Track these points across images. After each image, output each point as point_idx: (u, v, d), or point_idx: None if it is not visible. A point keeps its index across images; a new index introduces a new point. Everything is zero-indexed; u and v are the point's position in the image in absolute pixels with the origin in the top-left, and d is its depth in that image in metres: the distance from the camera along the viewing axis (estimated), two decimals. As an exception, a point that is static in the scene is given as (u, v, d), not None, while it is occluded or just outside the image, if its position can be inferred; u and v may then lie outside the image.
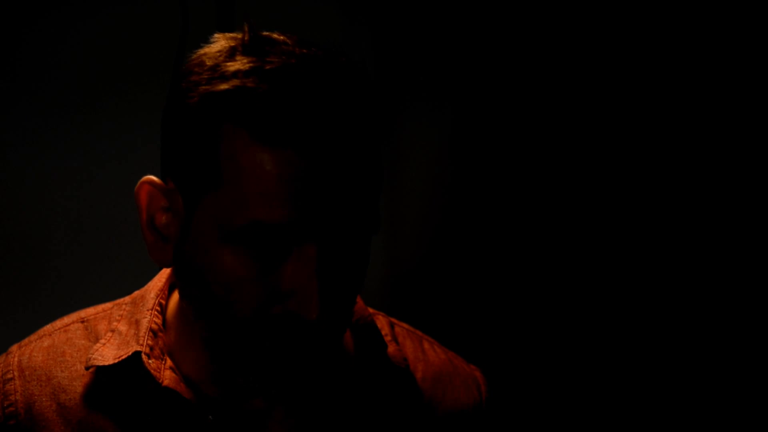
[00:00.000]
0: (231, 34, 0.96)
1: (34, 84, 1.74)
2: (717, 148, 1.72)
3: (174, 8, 1.67)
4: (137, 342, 1.03)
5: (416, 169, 1.89)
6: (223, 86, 0.92)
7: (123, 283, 1.20)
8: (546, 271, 1.84)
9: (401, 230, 1.89)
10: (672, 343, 1.75)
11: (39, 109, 1.74)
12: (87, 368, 1.03)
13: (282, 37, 0.96)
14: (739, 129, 1.70)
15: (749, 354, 1.71)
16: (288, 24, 1.00)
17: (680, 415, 1.75)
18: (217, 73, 0.93)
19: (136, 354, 1.02)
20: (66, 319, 1.11)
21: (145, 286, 1.11)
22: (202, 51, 0.96)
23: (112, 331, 1.07)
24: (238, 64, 0.92)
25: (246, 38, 0.95)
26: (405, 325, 1.19)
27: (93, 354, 1.03)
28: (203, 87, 0.93)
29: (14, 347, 1.09)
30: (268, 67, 0.91)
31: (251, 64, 0.92)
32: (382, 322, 1.15)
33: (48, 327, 1.10)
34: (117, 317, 1.08)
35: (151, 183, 0.99)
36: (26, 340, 1.10)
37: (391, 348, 1.11)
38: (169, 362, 1.03)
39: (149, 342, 1.03)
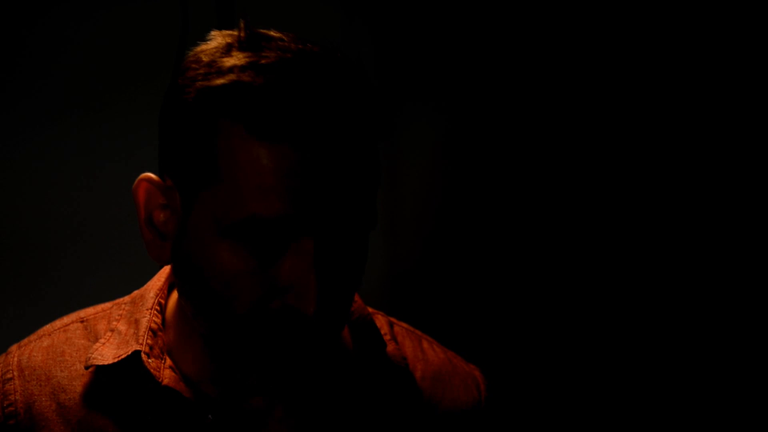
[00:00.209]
0: (227, 32, 0.97)
1: (34, 84, 1.74)
2: (717, 148, 1.72)
3: (174, 8, 1.68)
4: (137, 341, 1.03)
5: (416, 168, 1.89)
6: (220, 81, 0.92)
7: (122, 282, 1.20)
8: (545, 270, 1.84)
9: (400, 230, 1.89)
10: (672, 343, 1.75)
11: (39, 109, 1.74)
12: (86, 368, 1.03)
13: (278, 34, 0.96)
14: (739, 129, 1.70)
15: (749, 354, 1.71)
16: (288, 24, 1.00)
17: (680, 415, 1.75)
18: (213, 68, 0.93)
19: (136, 353, 1.02)
20: (65, 319, 1.11)
21: (145, 286, 1.11)
22: (198, 48, 0.97)
23: (112, 330, 1.07)
24: (234, 60, 0.92)
25: (242, 35, 0.95)
26: (404, 325, 1.19)
27: (92, 353, 1.04)
28: (199, 83, 0.93)
29: (14, 347, 1.09)
30: (263, 62, 0.91)
31: (247, 59, 0.92)
32: (381, 321, 1.15)
33: (47, 327, 1.11)
34: (116, 317, 1.09)
35: (148, 180, 0.99)
36: (26, 340, 1.10)
37: (391, 347, 1.11)
38: (168, 361, 1.03)
39: (149, 341, 1.03)
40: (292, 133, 0.90)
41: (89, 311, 1.12)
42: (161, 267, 1.12)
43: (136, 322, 1.06)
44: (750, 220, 1.71)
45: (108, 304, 1.12)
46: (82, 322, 1.10)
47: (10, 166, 1.74)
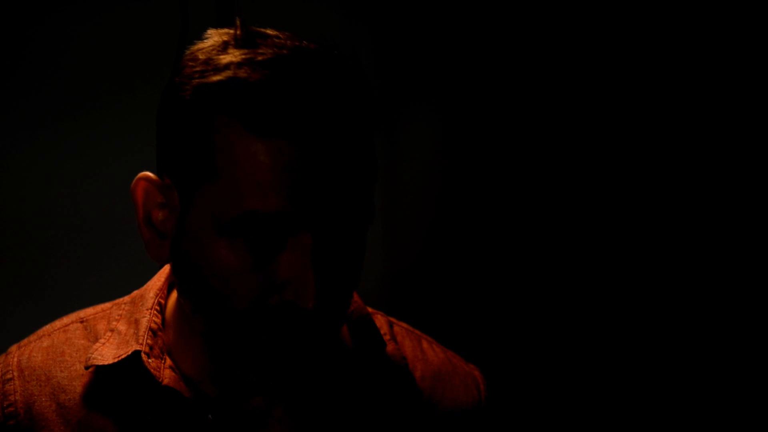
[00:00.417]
0: (224, 30, 0.97)
1: (34, 84, 1.74)
2: (717, 148, 1.72)
3: (174, 8, 1.68)
4: (137, 341, 1.03)
5: (415, 168, 1.89)
6: (216, 78, 0.92)
7: (122, 282, 1.20)
8: (545, 270, 1.84)
9: (400, 229, 1.89)
10: (672, 343, 1.75)
11: (39, 109, 1.74)
12: (86, 368, 1.03)
13: (274, 32, 0.96)
14: (739, 129, 1.70)
15: (749, 354, 1.71)
16: (287, 24, 1.00)
17: (680, 415, 1.75)
18: (210, 65, 0.93)
19: (136, 353, 1.02)
20: (65, 319, 1.11)
21: (144, 286, 1.11)
22: (195, 47, 0.97)
23: (112, 330, 1.07)
24: (231, 57, 0.93)
25: (239, 33, 0.95)
26: (404, 325, 1.19)
27: (92, 353, 1.04)
28: (196, 80, 0.94)
29: (13, 347, 1.09)
30: (260, 59, 0.92)
31: (244, 56, 0.92)
32: (380, 321, 1.15)
33: (47, 327, 1.11)
34: (116, 317, 1.09)
35: (147, 179, 0.99)
36: (25, 341, 1.10)
37: (390, 347, 1.11)
38: (168, 361, 1.03)
39: (149, 341, 1.04)
40: (288, 129, 0.91)
41: (89, 311, 1.12)
42: (161, 267, 1.12)
43: (136, 322, 1.06)
44: (750, 220, 1.71)
45: (108, 304, 1.12)
46: (81, 322, 1.10)
47: (10, 166, 1.74)
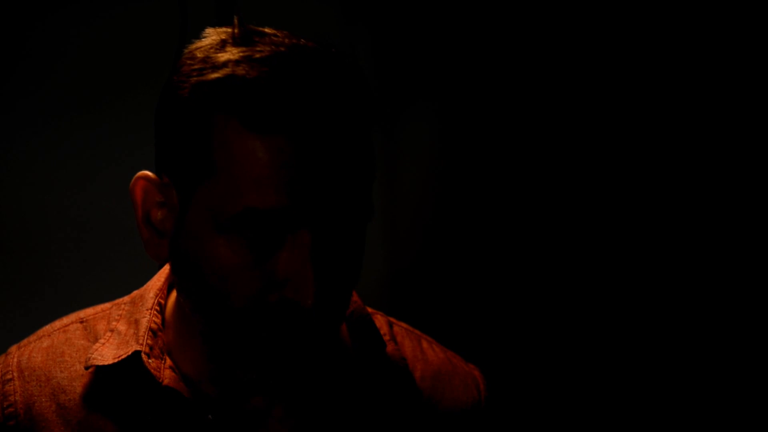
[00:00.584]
0: (222, 29, 0.97)
1: (34, 84, 1.74)
2: (717, 148, 1.72)
3: (174, 8, 1.68)
4: (137, 341, 1.03)
5: (415, 168, 1.89)
6: (214, 75, 0.92)
7: (122, 282, 1.20)
8: (545, 270, 1.84)
9: (400, 230, 1.89)
10: (672, 343, 1.75)
11: (39, 109, 1.74)
12: (86, 368, 1.03)
13: (272, 30, 0.97)
14: (739, 129, 1.70)
15: (749, 354, 1.71)
16: (288, 24, 1.00)
17: (680, 415, 1.75)
18: (208, 63, 0.94)
19: (136, 353, 1.02)
20: (65, 320, 1.11)
21: (144, 286, 1.11)
22: (193, 45, 0.97)
23: (111, 330, 1.07)
24: (228, 55, 0.93)
25: (236, 31, 0.95)
26: (403, 325, 1.19)
27: (92, 354, 1.03)
28: (194, 78, 0.94)
29: (13, 348, 1.09)
30: (257, 56, 0.92)
31: (241, 54, 0.92)
32: (380, 321, 1.15)
33: (47, 327, 1.11)
34: (116, 317, 1.08)
35: (145, 178, 0.99)
36: (25, 341, 1.10)
37: (390, 347, 1.11)
38: (168, 361, 1.03)
39: (149, 341, 1.03)
40: (287, 125, 0.91)
41: (89, 312, 1.11)
42: (161, 267, 1.12)
43: (136, 322, 1.06)
44: (750, 220, 1.71)
45: (107, 305, 1.12)
46: (81, 322, 1.10)
47: (11, 166, 1.74)
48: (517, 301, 1.85)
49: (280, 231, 0.92)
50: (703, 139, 1.72)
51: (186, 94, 0.94)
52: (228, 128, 0.92)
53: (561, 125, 1.81)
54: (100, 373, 1.03)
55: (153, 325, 1.05)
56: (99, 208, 1.75)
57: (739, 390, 1.71)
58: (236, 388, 1.03)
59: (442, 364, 1.16)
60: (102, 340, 1.05)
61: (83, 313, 1.11)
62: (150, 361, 1.02)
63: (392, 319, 1.18)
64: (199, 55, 0.95)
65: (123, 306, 1.10)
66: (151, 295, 1.08)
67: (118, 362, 1.02)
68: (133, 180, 1.00)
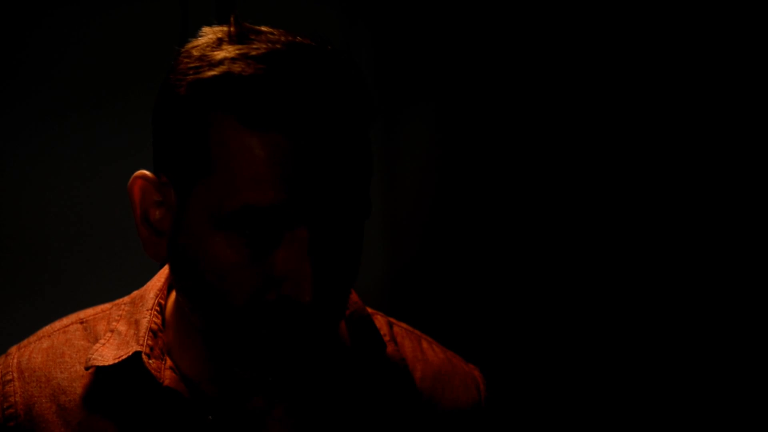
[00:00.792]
0: (218, 27, 0.97)
1: (35, 84, 1.74)
2: (717, 148, 1.72)
3: (174, 8, 1.68)
4: (137, 342, 1.03)
5: (415, 168, 1.89)
6: (211, 73, 0.93)
7: (122, 283, 1.20)
8: (545, 270, 1.84)
9: (400, 229, 1.89)
10: (672, 343, 1.75)
11: (39, 109, 1.74)
12: (87, 368, 1.03)
13: (268, 29, 0.97)
14: (739, 129, 1.70)
15: (749, 354, 1.71)
16: (288, 24, 1.00)
17: (680, 415, 1.75)
18: (204, 61, 0.94)
19: (137, 354, 1.02)
20: (65, 320, 1.11)
21: (144, 286, 1.11)
22: (190, 44, 0.97)
23: (112, 331, 1.07)
24: (225, 53, 0.93)
25: (232, 30, 0.95)
26: (403, 325, 1.19)
27: (92, 354, 1.03)
28: (191, 76, 0.94)
29: (13, 349, 1.09)
30: (254, 53, 0.92)
31: (238, 52, 0.93)
32: (380, 322, 1.15)
33: (47, 328, 1.10)
34: (116, 317, 1.08)
35: (143, 177, 0.99)
36: (25, 342, 1.10)
37: (390, 348, 1.11)
38: (169, 362, 1.03)
39: (149, 342, 1.03)
40: (283, 122, 0.91)
41: (89, 312, 1.11)
42: (161, 266, 1.12)
43: (137, 322, 1.06)
44: (750, 220, 1.70)
45: (107, 305, 1.12)
46: (81, 323, 1.10)
47: (11, 166, 1.74)
48: (517, 301, 1.85)
49: (277, 228, 0.92)
50: (703, 139, 1.72)
51: (183, 92, 0.94)
52: (225, 126, 0.92)
53: (561, 126, 1.81)
54: (101, 373, 1.03)
55: (153, 326, 1.05)
56: (99, 208, 1.75)
57: (739, 390, 1.71)
58: (236, 388, 1.03)
59: (442, 364, 1.15)
60: (102, 341, 1.05)
61: (83, 314, 1.11)
62: (150, 361, 1.02)
63: (392, 320, 1.18)
64: (195, 54, 0.95)
65: (123, 306, 1.10)
66: (152, 295, 1.08)
67: (119, 363, 1.02)
68: (131, 179, 1.00)
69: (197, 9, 1.65)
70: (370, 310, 1.13)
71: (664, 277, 1.76)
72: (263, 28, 0.97)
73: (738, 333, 1.71)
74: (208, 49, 0.95)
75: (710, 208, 1.73)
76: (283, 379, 0.99)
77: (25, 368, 1.06)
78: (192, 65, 0.94)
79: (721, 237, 1.72)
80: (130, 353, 1.02)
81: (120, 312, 1.09)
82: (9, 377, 1.05)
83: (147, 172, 0.99)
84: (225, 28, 0.96)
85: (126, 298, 1.11)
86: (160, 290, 1.09)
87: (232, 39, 0.95)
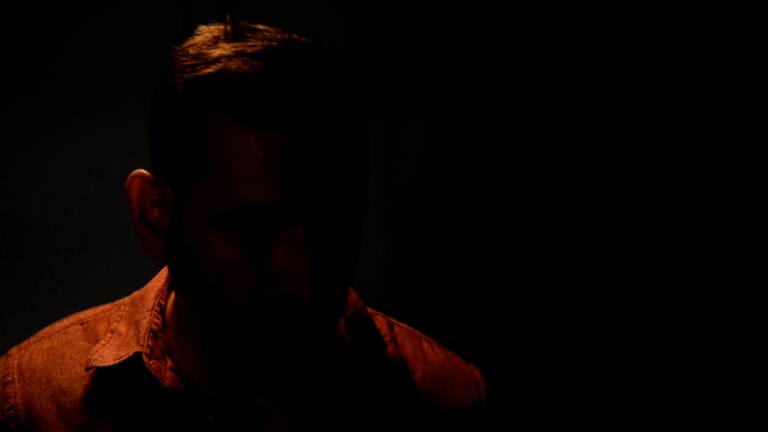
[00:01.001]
0: (214, 26, 0.97)
1: (35, 84, 1.74)
2: (717, 148, 1.72)
3: (174, 8, 1.68)
4: (137, 343, 1.03)
5: (416, 168, 1.89)
6: (207, 71, 0.93)
7: (123, 283, 1.20)
8: (545, 270, 1.84)
9: (400, 229, 1.89)
10: (672, 343, 1.75)
11: (39, 109, 1.74)
12: (87, 369, 1.03)
13: (264, 27, 0.97)
14: (739, 129, 1.70)
15: (749, 354, 1.71)
16: (288, 25, 1.00)
17: (680, 415, 1.75)
18: (200, 59, 0.94)
19: (137, 355, 1.02)
20: (65, 321, 1.11)
21: (144, 287, 1.11)
22: (186, 43, 0.98)
23: (112, 332, 1.07)
24: (221, 50, 0.93)
25: (229, 28, 0.96)
26: (404, 325, 1.19)
27: (93, 355, 1.03)
28: (187, 74, 0.94)
29: (14, 350, 1.09)
30: (250, 51, 0.92)
31: (234, 49, 0.93)
32: (381, 322, 1.15)
33: (47, 329, 1.10)
34: (116, 318, 1.08)
35: (141, 177, 0.99)
36: (26, 343, 1.09)
37: (390, 349, 1.11)
38: (169, 362, 1.03)
39: (149, 343, 1.03)
40: (280, 119, 0.91)
41: (89, 313, 1.11)
42: (161, 267, 1.12)
43: (137, 323, 1.06)
44: (750, 220, 1.70)
45: (108, 306, 1.12)
46: (82, 324, 1.10)
47: (11, 166, 1.74)
48: (517, 301, 1.85)
49: (275, 225, 0.92)
50: (703, 139, 1.72)
51: (179, 91, 0.94)
52: (221, 123, 0.92)
53: (561, 126, 1.81)
54: (101, 374, 1.03)
55: (153, 326, 1.05)
56: (99, 209, 1.75)
57: (739, 390, 1.71)
58: (236, 388, 1.03)
59: (443, 364, 1.15)
60: (102, 341, 1.05)
61: (83, 315, 1.11)
62: (151, 362, 1.02)
63: (392, 320, 1.18)
64: (191, 52, 0.95)
65: (123, 307, 1.10)
66: (152, 296, 1.08)
67: (119, 363, 1.02)
68: (128, 179, 1.00)
69: (197, 9, 1.65)
70: (370, 310, 1.13)
71: (664, 277, 1.76)
72: (259, 26, 0.97)
73: (738, 333, 1.71)
74: (204, 47, 0.95)
75: (710, 208, 1.73)
76: (282, 377, 0.99)
77: (25, 369, 1.06)
78: (188, 63, 0.94)
79: (721, 237, 1.72)
80: (131, 354, 1.02)
81: (120, 313, 1.09)
82: (9, 378, 1.05)
83: (144, 172, 0.99)
84: (221, 27, 0.97)
85: (126, 299, 1.11)
86: (161, 291, 1.09)
87: (228, 37, 0.95)
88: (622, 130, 1.77)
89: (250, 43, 0.93)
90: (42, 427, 1.02)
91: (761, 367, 1.70)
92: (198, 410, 1.02)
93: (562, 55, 1.79)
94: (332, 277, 0.96)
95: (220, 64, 0.92)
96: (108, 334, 1.06)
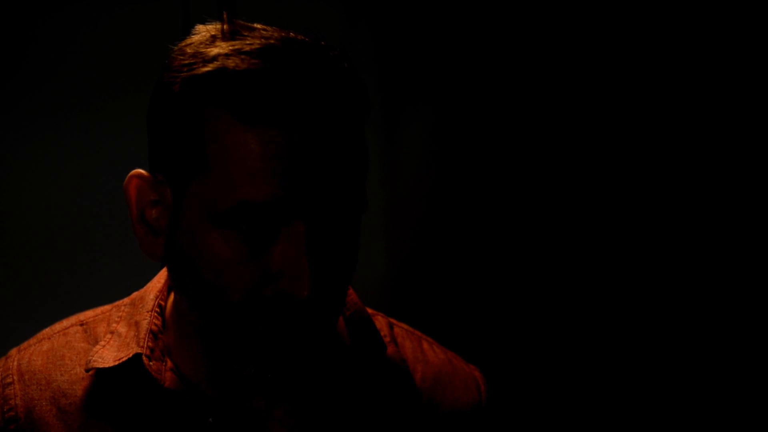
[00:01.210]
0: (211, 25, 0.98)
1: (35, 84, 1.74)
2: (717, 148, 1.72)
3: (175, 8, 1.68)
4: (137, 344, 1.03)
5: (416, 168, 1.89)
6: (204, 69, 0.93)
7: (123, 284, 1.20)
8: (545, 270, 1.84)
9: (400, 230, 1.89)
10: (672, 343, 1.75)
11: (39, 109, 1.74)
12: (87, 371, 1.03)
13: (261, 26, 0.97)
14: (740, 129, 1.70)
15: (749, 354, 1.71)
16: (289, 25, 1.00)
17: (680, 415, 1.75)
18: (198, 58, 0.94)
19: (137, 356, 1.02)
20: (65, 322, 1.11)
21: (144, 288, 1.11)
22: (183, 42, 0.98)
23: (112, 332, 1.06)
24: (218, 49, 0.93)
25: (226, 27, 0.96)
26: (404, 326, 1.19)
27: (93, 356, 1.03)
28: (185, 73, 0.94)
29: (13, 351, 1.09)
30: (247, 49, 0.92)
31: (231, 48, 0.93)
32: (381, 323, 1.15)
33: (47, 330, 1.10)
34: (116, 319, 1.08)
35: (139, 177, 0.99)
36: (25, 344, 1.09)
37: (390, 349, 1.11)
38: (169, 363, 1.03)
39: (149, 344, 1.03)
40: (278, 116, 0.91)
41: (88, 314, 1.11)
42: (161, 267, 1.11)
43: (137, 324, 1.06)
44: (750, 220, 1.70)
45: (107, 307, 1.12)
46: (81, 325, 1.10)
47: (11, 166, 1.74)
48: (518, 301, 1.85)
49: (274, 223, 0.92)
50: (703, 139, 1.72)
51: (177, 89, 0.94)
52: (220, 121, 0.92)
53: (561, 125, 1.81)
54: (101, 375, 1.03)
55: (153, 327, 1.05)
56: (99, 209, 1.75)
57: (739, 390, 1.71)
58: (236, 389, 1.03)
59: (443, 365, 1.15)
60: (102, 342, 1.05)
61: (83, 316, 1.11)
62: (151, 363, 1.02)
63: (393, 321, 1.18)
64: (189, 51, 0.95)
65: (123, 308, 1.10)
66: (152, 296, 1.08)
67: (119, 365, 1.02)
68: (126, 179, 1.00)
69: (198, 9, 1.64)
70: (370, 311, 1.13)
71: (664, 277, 1.76)
72: (257, 25, 0.97)
73: (738, 333, 1.71)
74: (201, 46, 0.95)
75: (710, 208, 1.73)
76: (282, 375, 0.99)
77: (25, 371, 1.06)
78: (186, 62, 0.94)
79: (721, 237, 1.72)
80: (131, 355, 1.02)
81: (120, 313, 1.09)
82: (9, 380, 1.05)
83: (143, 171, 0.99)
84: (219, 26, 0.97)
85: (126, 300, 1.11)
86: (160, 291, 1.09)
87: (225, 36, 0.95)
88: (621, 130, 1.77)
89: (248, 42, 0.93)
90: (42, 428, 1.02)
91: (761, 367, 1.70)
92: (198, 411, 1.02)
93: (562, 55, 1.79)
94: (332, 275, 0.96)
95: (218, 63, 0.92)
96: (108, 335, 1.06)
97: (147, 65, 1.73)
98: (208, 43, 0.95)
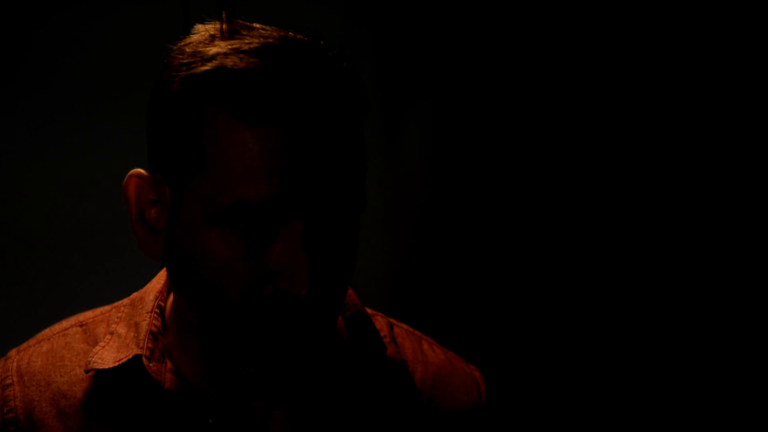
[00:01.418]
0: (210, 25, 0.98)
1: (35, 84, 1.74)
2: (717, 148, 1.72)
3: (175, 8, 1.68)
4: (137, 345, 1.03)
5: (416, 168, 1.89)
6: (203, 68, 0.93)
7: (122, 284, 1.20)
8: (545, 271, 1.84)
9: (401, 229, 1.89)
10: (672, 343, 1.75)
11: (39, 109, 1.74)
12: (86, 372, 1.03)
13: (260, 25, 0.97)
14: (739, 129, 1.70)
15: (749, 354, 1.71)
16: (289, 25, 1.00)
17: (680, 415, 1.75)
18: (197, 57, 0.94)
19: (137, 357, 1.02)
20: (64, 323, 1.11)
21: (144, 288, 1.10)
22: (182, 42, 0.98)
23: (111, 333, 1.06)
24: (217, 48, 0.93)
25: (224, 26, 0.96)
26: (404, 326, 1.19)
27: (92, 357, 1.03)
28: (184, 72, 0.94)
29: (13, 352, 1.09)
30: (246, 48, 0.92)
31: (230, 47, 0.93)
32: (381, 323, 1.14)
33: (47, 331, 1.10)
34: (116, 320, 1.08)
35: (138, 176, 0.99)
36: (25, 345, 1.09)
37: (390, 350, 1.11)
38: (169, 365, 1.03)
39: (149, 345, 1.03)
40: (276, 115, 0.91)
41: (88, 315, 1.11)
42: (161, 267, 1.11)
43: (136, 325, 1.05)
44: (750, 220, 1.70)
45: (107, 308, 1.12)
46: (81, 326, 1.09)
47: (11, 166, 1.74)
48: (518, 301, 1.85)
49: (273, 222, 0.93)
50: (703, 139, 1.72)
51: (176, 88, 0.95)
52: (218, 120, 0.92)
53: (561, 125, 1.81)
54: (100, 376, 1.03)
55: (153, 328, 1.05)
56: (99, 209, 1.75)
57: (739, 390, 1.71)
58: (236, 389, 1.03)
59: (443, 365, 1.15)
60: (102, 344, 1.05)
61: (83, 317, 1.11)
62: (151, 364, 1.01)
63: (393, 321, 1.18)
64: (188, 50, 0.95)
65: (122, 309, 1.09)
66: (151, 297, 1.08)
67: (119, 366, 1.02)
68: (125, 178, 1.00)
69: (198, 9, 1.64)
70: (370, 311, 1.13)
71: (664, 277, 1.76)
72: (256, 25, 0.97)
73: (738, 333, 1.71)
74: (200, 45, 0.95)
75: (710, 208, 1.73)
76: (281, 375, 0.99)
77: (24, 372, 1.05)
78: (185, 61, 0.95)
79: (721, 237, 1.72)
80: (130, 356, 1.02)
81: (119, 314, 1.09)
82: (9, 381, 1.05)
83: (142, 171, 0.99)
84: (218, 25, 0.97)
85: (125, 300, 1.11)
86: (160, 292, 1.08)
87: (224, 35, 0.95)
88: (621, 129, 1.77)
89: (247, 41, 0.93)
90: (42, 430, 1.02)
91: (761, 367, 1.70)
92: (198, 412, 1.01)
93: (562, 55, 1.79)
94: (331, 274, 0.96)
95: (217, 62, 0.92)
96: (107, 336, 1.06)
97: (147, 65, 1.73)
98: (207, 42, 0.95)
